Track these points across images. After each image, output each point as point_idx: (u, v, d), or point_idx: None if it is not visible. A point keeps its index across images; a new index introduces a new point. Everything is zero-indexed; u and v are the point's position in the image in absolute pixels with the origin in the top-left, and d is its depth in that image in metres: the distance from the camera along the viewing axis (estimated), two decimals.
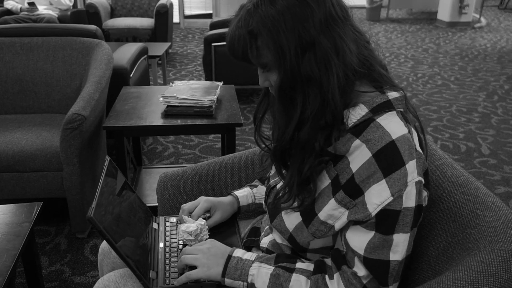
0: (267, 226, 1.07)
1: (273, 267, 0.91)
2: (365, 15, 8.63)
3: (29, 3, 5.10)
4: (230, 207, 1.18)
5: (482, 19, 8.57)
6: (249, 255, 0.95)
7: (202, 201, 1.15)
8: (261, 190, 1.21)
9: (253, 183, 1.25)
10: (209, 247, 0.98)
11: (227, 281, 0.93)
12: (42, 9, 5.23)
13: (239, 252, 0.96)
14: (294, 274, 0.89)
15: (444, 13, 8.03)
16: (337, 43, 0.78)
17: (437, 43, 6.69)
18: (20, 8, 5.15)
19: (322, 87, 0.78)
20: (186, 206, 1.16)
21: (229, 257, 0.95)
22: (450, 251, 0.87)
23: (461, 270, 0.77)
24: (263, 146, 1.00)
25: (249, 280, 0.91)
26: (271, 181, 1.04)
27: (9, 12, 5.20)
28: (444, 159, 1.05)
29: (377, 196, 0.79)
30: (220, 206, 1.16)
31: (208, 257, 0.95)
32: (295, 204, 0.90)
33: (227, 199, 1.19)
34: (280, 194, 0.91)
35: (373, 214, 0.80)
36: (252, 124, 3.56)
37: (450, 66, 5.42)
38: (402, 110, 0.86)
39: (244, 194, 1.20)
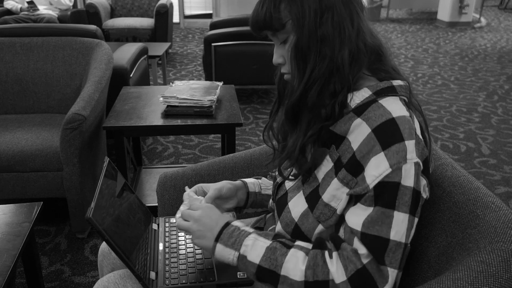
0: (271, 227, 1.06)
1: (271, 241, 0.88)
2: (365, 15, 8.63)
3: (28, 2, 5.10)
4: (241, 193, 1.14)
5: (482, 19, 8.57)
6: (249, 228, 0.92)
7: (211, 190, 1.08)
8: (265, 181, 1.19)
9: (257, 176, 1.23)
10: (200, 216, 0.94)
11: (219, 246, 0.89)
12: (42, 9, 5.23)
13: (238, 223, 0.93)
14: (292, 249, 0.86)
15: (444, 13, 8.03)
16: (353, 15, 0.84)
17: (437, 43, 6.69)
18: (20, 8, 5.15)
19: (334, 48, 0.83)
20: (190, 190, 1.10)
21: (227, 224, 0.92)
22: (450, 251, 0.87)
23: (461, 270, 0.77)
24: (269, 143, 1.01)
25: (241, 251, 0.88)
26: (278, 179, 1.04)
27: (9, 12, 5.21)
28: (444, 159, 1.05)
29: (376, 168, 0.79)
30: (231, 194, 1.12)
31: (198, 226, 0.93)
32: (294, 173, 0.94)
33: (237, 183, 1.14)
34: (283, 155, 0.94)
35: (371, 186, 0.79)
36: (252, 124, 3.56)
37: (450, 66, 5.42)
38: (405, 98, 0.88)
39: (251, 181, 1.17)
